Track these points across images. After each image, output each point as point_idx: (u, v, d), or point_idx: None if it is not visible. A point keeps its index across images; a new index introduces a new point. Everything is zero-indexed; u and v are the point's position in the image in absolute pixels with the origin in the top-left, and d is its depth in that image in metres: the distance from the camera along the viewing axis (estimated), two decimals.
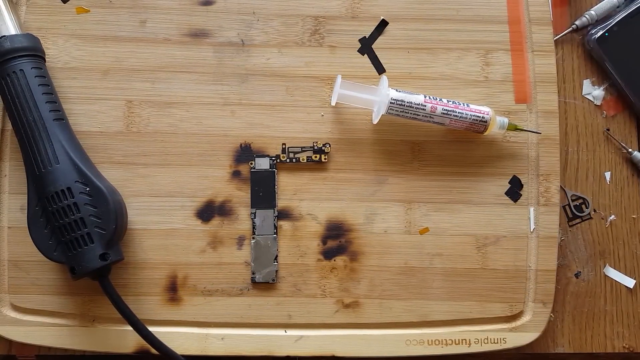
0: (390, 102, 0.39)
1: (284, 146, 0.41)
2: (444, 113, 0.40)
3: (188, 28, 0.42)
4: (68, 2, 0.42)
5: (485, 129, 0.40)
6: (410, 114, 0.40)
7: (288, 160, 0.41)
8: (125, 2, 0.42)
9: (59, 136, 0.37)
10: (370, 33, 0.43)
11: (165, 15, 0.42)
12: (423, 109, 0.40)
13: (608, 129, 0.44)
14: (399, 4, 0.43)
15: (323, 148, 0.41)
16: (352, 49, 0.43)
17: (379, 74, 0.42)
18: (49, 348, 0.41)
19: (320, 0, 0.43)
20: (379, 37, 0.43)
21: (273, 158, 0.41)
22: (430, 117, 0.40)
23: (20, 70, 0.37)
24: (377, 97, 0.40)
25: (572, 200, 0.44)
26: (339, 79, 0.40)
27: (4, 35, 0.38)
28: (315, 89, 0.42)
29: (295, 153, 0.41)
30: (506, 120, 0.41)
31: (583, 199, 0.44)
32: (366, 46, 0.43)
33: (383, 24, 0.43)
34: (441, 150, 0.42)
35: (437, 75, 0.43)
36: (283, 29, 0.42)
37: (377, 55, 0.43)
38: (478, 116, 0.40)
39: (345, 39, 0.43)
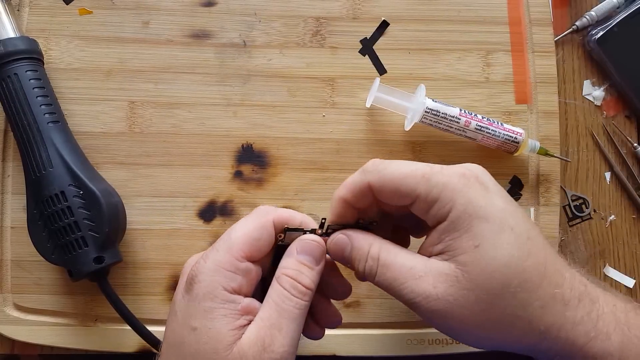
0: (425, 111, 0.39)
1: (323, 221, 0.32)
2: (477, 129, 0.39)
3: (190, 29, 0.42)
4: (71, 4, 0.42)
5: (517, 149, 0.40)
6: (444, 125, 0.40)
7: (323, 235, 0.33)
8: (128, 3, 0.42)
9: (53, 139, 0.37)
10: (371, 34, 0.43)
11: (167, 16, 0.42)
12: (457, 122, 0.39)
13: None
14: (400, 5, 0.43)
15: (369, 226, 0.33)
16: (353, 49, 0.43)
17: (380, 75, 0.43)
18: (52, 347, 0.41)
19: (322, 1, 0.43)
20: (380, 38, 0.43)
21: (306, 232, 0.32)
22: (464, 131, 0.40)
23: (15, 74, 0.37)
24: (413, 105, 0.40)
25: (572, 201, 0.44)
26: (376, 82, 0.40)
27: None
28: (316, 89, 0.42)
29: (334, 230, 0.32)
30: (538, 143, 0.41)
31: (583, 199, 0.44)
32: (367, 47, 0.43)
33: (384, 24, 0.43)
34: (442, 150, 0.42)
35: (438, 76, 0.43)
36: (284, 30, 0.43)
37: (378, 56, 0.43)
38: (511, 136, 0.40)
39: (346, 39, 0.43)
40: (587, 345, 0.28)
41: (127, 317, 0.37)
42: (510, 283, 0.27)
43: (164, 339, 0.31)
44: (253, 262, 0.31)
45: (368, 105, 0.41)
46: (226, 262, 0.30)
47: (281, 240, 0.32)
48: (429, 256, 0.29)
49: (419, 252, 0.30)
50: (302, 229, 0.32)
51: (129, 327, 0.38)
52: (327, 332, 0.40)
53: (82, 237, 0.36)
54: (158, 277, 0.41)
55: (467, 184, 0.29)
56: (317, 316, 0.34)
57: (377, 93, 0.40)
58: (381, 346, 0.41)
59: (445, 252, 0.29)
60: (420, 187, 0.29)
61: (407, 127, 0.41)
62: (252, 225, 0.31)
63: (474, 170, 0.30)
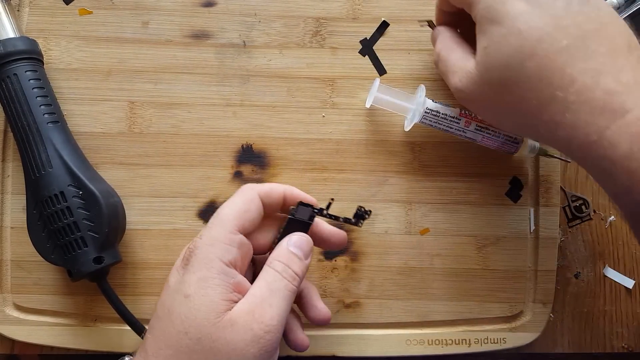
0: (425, 112, 0.39)
1: (331, 201, 0.37)
2: (477, 129, 0.39)
3: (190, 29, 0.42)
4: (71, 4, 0.42)
5: (517, 150, 0.40)
6: (444, 125, 0.40)
7: (328, 217, 0.37)
8: (128, 3, 0.42)
9: (53, 140, 0.37)
10: (371, 34, 0.43)
11: (167, 16, 0.42)
12: (457, 123, 0.39)
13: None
14: (400, 6, 0.43)
15: (365, 215, 0.37)
16: (353, 50, 0.43)
17: (380, 75, 0.43)
18: (52, 347, 0.41)
19: (322, 1, 0.43)
20: (380, 39, 0.43)
21: (316, 210, 0.36)
22: (464, 131, 0.40)
23: (14, 74, 0.37)
24: (413, 105, 0.40)
25: (572, 201, 0.44)
26: (376, 83, 0.40)
27: None
28: (316, 90, 0.42)
29: (331, 217, 0.37)
30: (537, 144, 0.41)
31: (583, 199, 0.44)
32: (367, 47, 0.43)
33: (384, 25, 0.43)
34: (441, 150, 0.42)
35: (438, 76, 0.43)
36: (284, 30, 0.43)
37: (378, 56, 0.43)
38: (511, 137, 0.40)
39: (346, 40, 0.43)
40: (589, 144, 0.28)
41: (127, 317, 0.37)
42: (506, 82, 0.31)
43: (153, 314, 0.32)
44: (245, 235, 0.32)
45: (368, 105, 0.41)
46: (221, 235, 0.31)
47: (293, 214, 0.35)
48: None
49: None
50: (312, 205, 0.36)
51: (128, 327, 0.38)
52: (327, 332, 0.41)
53: (81, 237, 0.36)
54: (158, 277, 0.41)
55: None
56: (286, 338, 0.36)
57: (376, 93, 0.40)
58: (381, 346, 0.41)
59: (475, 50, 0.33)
60: None
61: (407, 128, 0.41)
62: (239, 200, 0.33)
63: None
